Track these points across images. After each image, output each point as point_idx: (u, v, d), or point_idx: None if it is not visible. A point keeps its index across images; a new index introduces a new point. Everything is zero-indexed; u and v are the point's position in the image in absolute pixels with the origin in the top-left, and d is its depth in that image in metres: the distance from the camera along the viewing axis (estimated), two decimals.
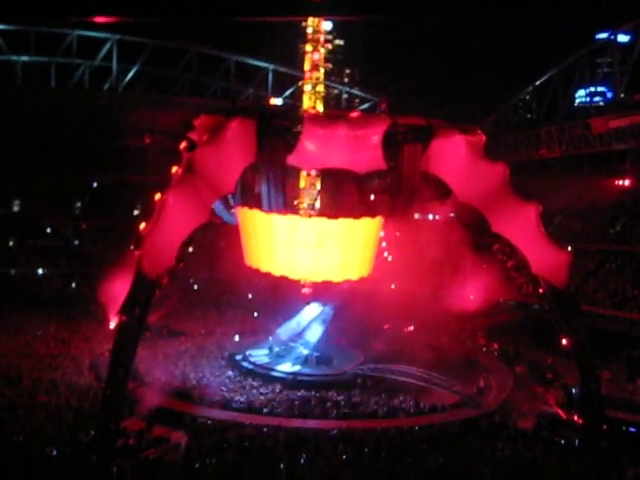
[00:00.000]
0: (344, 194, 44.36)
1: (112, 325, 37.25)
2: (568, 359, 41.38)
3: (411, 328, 61.50)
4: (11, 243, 76.65)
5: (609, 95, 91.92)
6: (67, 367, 49.96)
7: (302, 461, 34.79)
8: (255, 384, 49.37)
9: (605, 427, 39.49)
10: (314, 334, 56.57)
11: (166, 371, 48.89)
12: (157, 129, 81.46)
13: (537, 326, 56.31)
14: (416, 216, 53.81)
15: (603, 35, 77.77)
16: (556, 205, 65.60)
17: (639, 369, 52.48)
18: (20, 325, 60.79)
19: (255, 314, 68.52)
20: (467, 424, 42.33)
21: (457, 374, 51.02)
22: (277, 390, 47.98)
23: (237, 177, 37.07)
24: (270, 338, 57.48)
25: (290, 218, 41.90)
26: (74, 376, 47.96)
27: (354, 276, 44.02)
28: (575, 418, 41.56)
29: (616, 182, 72.24)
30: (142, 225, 36.89)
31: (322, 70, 59.34)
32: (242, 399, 45.60)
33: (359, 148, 37.89)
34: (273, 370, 52.46)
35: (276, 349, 55.87)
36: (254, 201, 40.45)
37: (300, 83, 62.44)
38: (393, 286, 63.72)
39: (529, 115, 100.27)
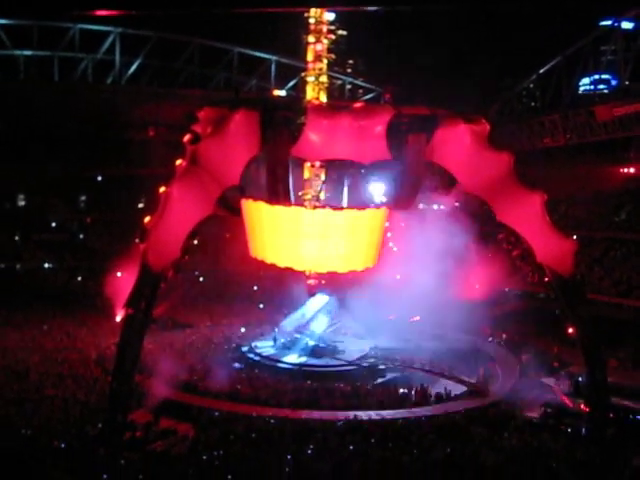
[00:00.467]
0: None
1: (118, 318, 37.30)
2: (574, 348, 41.34)
3: (417, 318, 61.48)
4: (16, 238, 76.81)
5: (613, 83, 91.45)
6: (73, 361, 50.08)
7: (309, 452, 34.86)
8: (261, 375, 49.49)
9: (611, 415, 39.55)
10: (320, 325, 56.64)
11: (172, 363, 48.94)
12: (161, 122, 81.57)
13: (543, 315, 56.30)
14: (421, 206, 53.63)
15: (607, 22, 77.39)
16: (561, 193, 65.55)
17: None
18: (26, 319, 61.01)
19: (260, 306, 68.62)
20: (473, 414, 42.32)
21: (463, 364, 51.11)
22: (283, 381, 48.05)
23: (242, 169, 37.01)
24: (276, 330, 57.55)
25: (295, 209, 41.83)
26: (81, 369, 48.07)
27: (359, 267, 43.93)
28: (581, 406, 41.56)
29: (621, 170, 72.14)
30: (147, 218, 36.88)
31: (325, 61, 59.27)
32: (249, 391, 45.67)
33: (363, 139, 37.78)
34: (279, 361, 52.57)
35: (282, 340, 55.93)
36: (258, 193, 40.40)
37: (303, 74, 62.35)
38: (398, 276, 63.67)
39: (533, 104, 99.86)
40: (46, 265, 75.39)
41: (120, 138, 78.89)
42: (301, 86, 67.61)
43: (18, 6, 79.24)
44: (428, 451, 35.35)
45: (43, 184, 76.35)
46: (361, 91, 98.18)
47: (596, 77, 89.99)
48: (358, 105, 42.47)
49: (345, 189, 53.56)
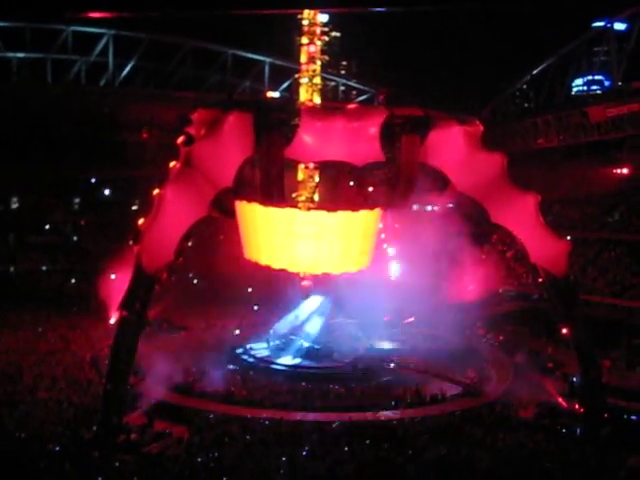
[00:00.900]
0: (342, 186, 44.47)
1: (112, 321, 37.30)
2: (568, 348, 41.47)
3: (411, 319, 61.55)
4: (10, 240, 76.64)
5: (606, 83, 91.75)
6: (68, 363, 49.92)
7: (304, 453, 34.88)
8: (256, 377, 49.47)
9: (606, 415, 39.63)
10: (314, 327, 56.62)
11: (167, 365, 48.86)
12: (154, 124, 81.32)
13: (537, 315, 56.37)
14: (415, 207, 53.71)
15: (600, 23, 77.63)
16: (554, 194, 65.63)
17: (639, 357, 52.56)
18: (20, 322, 60.84)
19: (255, 307, 68.57)
20: (468, 414, 42.36)
21: (457, 365, 51.16)
22: (278, 383, 48.04)
23: (235, 171, 37.03)
24: (270, 331, 57.52)
25: (289, 211, 41.86)
26: (75, 372, 47.94)
27: (353, 268, 43.99)
28: (576, 407, 41.63)
29: (614, 171, 72.23)
30: (141, 220, 36.89)
31: (319, 62, 59.33)
32: (243, 392, 45.65)
33: (357, 140, 37.88)
34: (274, 363, 52.58)
35: (276, 342, 55.90)
36: (253, 194, 40.41)
37: (297, 76, 62.36)
38: (392, 278, 63.76)
39: (526, 104, 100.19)
40: (40, 267, 75.20)
41: (114, 140, 78.76)
42: (295, 88, 67.56)
43: (11, 8, 79.11)
44: (422, 452, 35.41)
45: (37, 186, 76.19)
46: (355, 93, 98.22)
47: (589, 78, 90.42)
48: (352, 107, 42.57)
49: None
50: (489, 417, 41.71)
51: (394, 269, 63.44)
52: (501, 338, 59.56)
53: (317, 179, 58.81)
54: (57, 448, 33.85)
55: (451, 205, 46.49)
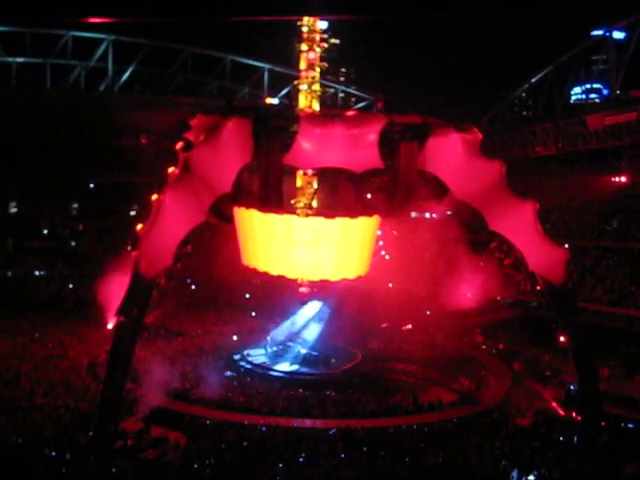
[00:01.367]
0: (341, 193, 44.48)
1: (110, 326, 37.26)
2: (566, 356, 41.42)
3: (409, 326, 61.53)
4: (8, 244, 76.59)
5: (605, 92, 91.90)
6: (65, 368, 49.85)
7: (301, 460, 34.83)
8: (253, 384, 49.42)
9: (603, 424, 39.60)
10: (312, 333, 56.60)
11: (164, 371, 48.79)
12: (153, 129, 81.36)
13: (535, 323, 56.38)
14: (413, 215, 53.73)
15: (598, 32, 77.78)
16: (553, 202, 65.73)
17: (637, 365, 52.53)
18: (17, 326, 60.66)
19: (253, 313, 68.52)
20: (465, 422, 42.32)
21: (455, 372, 51.13)
22: (275, 389, 47.99)
23: (234, 177, 37.04)
24: (268, 338, 57.49)
25: (287, 218, 41.88)
26: (72, 377, 47.86)
27: (351, 275, 43.98)
28: (573, 415, 41.65)
29: (612, 179, 72.37)
30: (139, 226, 36.86)
31: (318, 69, 59.45)
32: (240, 399, 45.59)
33: (356, 147, 37.90)
34: (271, 369, 52.54)
35: (274, 348, 55.87)
36: (251, 201, 40.43)
37: (296, 82, 62.49)
38: (390, 285, 63.77)
39: (525, 112, 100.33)
40: (38, 272, 75.14)
41: (112, 145, 78.84)
42: (294, 94, 67.70)
43: (11, 13, 79.17)
44: (419, 459, 35.38)
45: (35, 191, 76.16)
46: (354, 100, 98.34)
47: (588, 86, 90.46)
48: (350, 114, 42.74)
49: None
50: (486, 424, 41.66)
51: (392, 276, 63.41)
52: (498, 345, 59.41)
53: (316, 186, 58.85)
54: (54, 453, 33.81)
55: (449, 212, 46.52)
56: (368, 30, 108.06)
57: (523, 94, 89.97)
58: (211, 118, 38.58)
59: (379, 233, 47.02)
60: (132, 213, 75.63)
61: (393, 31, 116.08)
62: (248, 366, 53.29)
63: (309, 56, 59.12)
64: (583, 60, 76.59)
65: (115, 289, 36.90)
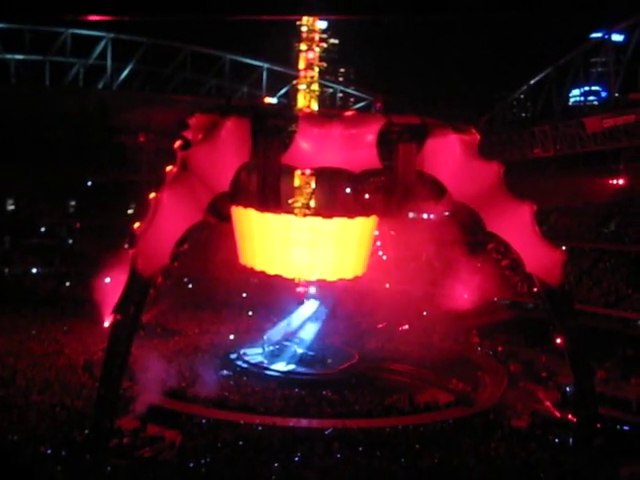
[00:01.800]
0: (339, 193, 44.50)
1: (106, 324, 37.20)
2: (562, 358, 41.42)
3: (405, 327, 61.54)
4: (5, 242, 76.51)
5: (603, 94, 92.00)
6: (61, 366, 49.82)
7: (297, 460, 34.82)
8: (249, 383, 49.40)
9: (599, 426, 39.60)
10: (308, 333, 56.61)
11: (160, 370, 48.79)
12: (152, 127, 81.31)
13: (531, 325, 56.41)
14: (411, 215, 53.73)
15: (597, 34, 77.82)
16: (550, 204, 65.75)
17: (633, 368, 52.58)
18: (14, 324, 60.66)
19: (249, 313, 68.51)
20: (461, 423, 42.34)
21: (451, 373, 51.13)
22: (272, 389, 47.98)
23: (232, 176, 36.99)
24: (264, 337, 57.49)
25: (284, 217, 41.86)
26: (68, 375, 47.83)
27: (348, 275, 43.96)
28: (569, 417, 41.66)
29: (610, 181, 72.41)
30: (136, 224, 36.82)
31: (317, 69, 59.38)
32: (236, 398, 45.58)
33: (354, 147, 37.84)
34: (267, 369, 52.54)
35: (270, 348, 55.86)
36: (249, 200, 40.40)
37: (295, 82, 62.47)
38: (388, 285, 63.78)
39: (524, 114, 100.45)
40: (35, 270, 75.08)
41: (111, 143, 78.83)
42: (292, 94, 67.73)
43: (10, 10, 79.13)
44: (415, 460, 35.38)
45: (33, 188, 76.12)
46: (352, 100, 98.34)
47: (586, 88, 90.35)
48: (349, 114, 42.65)
49: None
50: (482, 426, 41.68)
51: (389, 277, 63.44)
52: (495, 347, 59.42)
53: (313, 185, 58.83)
54: (49, 451, 33.78)
55: (447, 213, 46.51)
56: (367, 30, 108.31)
57: (522, 96, 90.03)
58: (209, 117, 38.50)
59: (377, 233, 46.93)
60: (130, 211, 75.59)
61: (392, 32, 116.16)
62: (244, 365, 53.29)
63: (308, 56, 59.06)
64: (582, 62, 76.48)
65: (112, 287, 36.90)
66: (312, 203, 58.43)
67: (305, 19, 59.13)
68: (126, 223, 39.12)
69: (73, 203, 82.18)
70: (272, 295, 60.00)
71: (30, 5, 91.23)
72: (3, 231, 76.23)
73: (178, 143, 38.31)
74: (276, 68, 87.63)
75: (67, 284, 74.43)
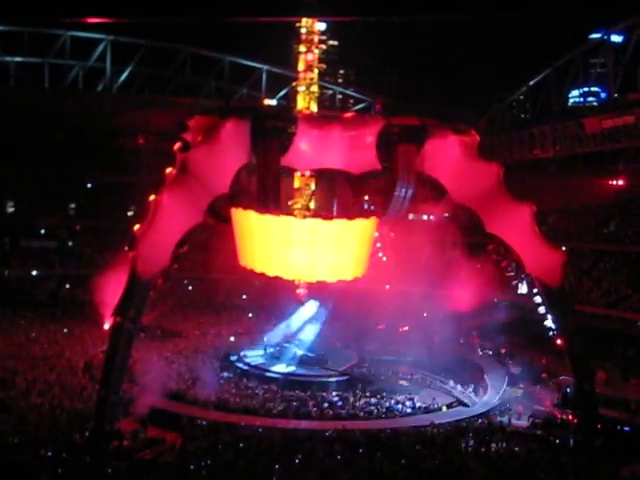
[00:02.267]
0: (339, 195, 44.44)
1: (106, 326, 37.19)
2: (562, 358, 41.45)
3: (406, 328, 61.51)
4: (5, 244, 76.46)
5: (603, 95, 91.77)
6: (61, 368, 49.82)
7: (297, 462, 34.78)
8: (250, 385, 49.39)
9: (599, 426, 39.61)
10: (308, 334, 56.59)
11: (161, 372, 48.80)
12: (151, 129, 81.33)
13: (531, 326, 56.33)
14: (410, 217, 53.77)
15: (596, 35, 77.75)
16: (550, 205, 65.74)
17: (633, 368, 52.58)
18: (14, 326, 60.69)
19: (249, 315, 68.50)
20: (462, 424, 42.35)
21: (452, 374, 51.14)
22: (272, 391, 47.96)
23: (231, 178, 37.01)
24: (264, 339, 57.49)
25: (284, 219, 41.86)
26: (68, 377, 47.82)
27: (348, 276, 43.97)
28: (569, 417, 41.66)
29: (609, 182, 72.37)
30: (136, 226, 36.83)
31: (316, 71, 59.44)
32: (237, 400, 45.56)
33: (353, 149, 37.91)
34: (268, 371, 52.50)
35: (270, 350, 55.85)
36: (248, 201, 40.40)
37: (294, 84, 62.54)
38: (388, 286, 63.78)
39: (523, 115, 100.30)
40: (35, 272, 75.06)
41: (110, 145, 78.82)
42: (292, 96, 67.73)
43: (9, 12, 79.13)
44: (416, 461, 35.34)
45: (32, 190, 76.05)
46: (352, 101, 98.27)
47: (586, 89, 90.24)
48: (348, 115, 42.62)
49: None
50: (483, 427, 41.68)
51: (389, 278, 63.42)
52: (495, 348, 59.45)
53: (313, 187, 58.84)
54: (50, 453, 33.73)
55: (447, 214, 46.52)
56: (366, 32, 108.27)
57: (521, 96, 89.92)
58: (209, 119, 38.55)
59: (376, 235, 46.93)
60: (129, 213, 75.56)
61: (392, 33, 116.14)
62: (245, 367, 53.25)
63: (307, 57, 59.14)
64: (581, 63, 76.38)
65: (112, 289, 36.87)
66: (312, 204, 58.42)
67: (304, 21, 59.19)
68: (126, 225, 39.18)
69: (73, 205, 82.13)
70: (272, 297, 60.00)
71: (29, 7, 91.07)
72: (3, 233, 76.12)
73: (178, 145, 38.38)
74: (275, 70, 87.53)
75: (67, 286, 74.48)
